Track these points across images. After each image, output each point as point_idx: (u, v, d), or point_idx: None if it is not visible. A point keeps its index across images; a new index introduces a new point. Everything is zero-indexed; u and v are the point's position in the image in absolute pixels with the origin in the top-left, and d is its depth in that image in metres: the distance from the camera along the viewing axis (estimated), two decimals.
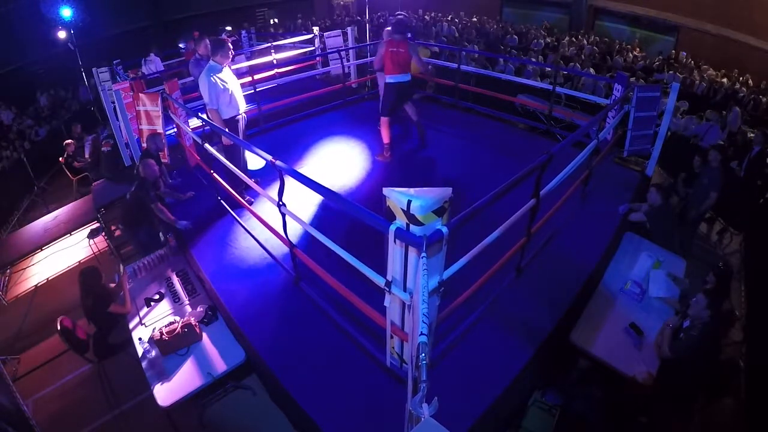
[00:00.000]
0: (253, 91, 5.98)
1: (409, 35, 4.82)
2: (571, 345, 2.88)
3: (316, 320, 2.99)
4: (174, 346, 2.95)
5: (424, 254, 1.71)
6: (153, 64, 8.23)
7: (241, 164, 4.05)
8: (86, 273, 3.43)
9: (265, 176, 4.48)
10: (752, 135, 7.05)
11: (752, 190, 5.55)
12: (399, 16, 4.82)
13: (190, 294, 3.50)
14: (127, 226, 4.28)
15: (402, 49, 4.66)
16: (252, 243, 3.77)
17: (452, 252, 2.00)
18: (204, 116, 4.03)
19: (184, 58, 8.25)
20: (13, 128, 9.75)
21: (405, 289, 2.02)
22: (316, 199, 4.16)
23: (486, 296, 2.97)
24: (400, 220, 1.88)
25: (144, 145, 4.87)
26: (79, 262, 5.82)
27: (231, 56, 4.03)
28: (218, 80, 3.89)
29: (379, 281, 2.10)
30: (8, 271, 5.78)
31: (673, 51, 12.12)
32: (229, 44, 3.99)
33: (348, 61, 7.56)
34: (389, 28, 4.84)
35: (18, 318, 5.04)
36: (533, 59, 10.47)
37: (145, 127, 4.97)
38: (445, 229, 1.83)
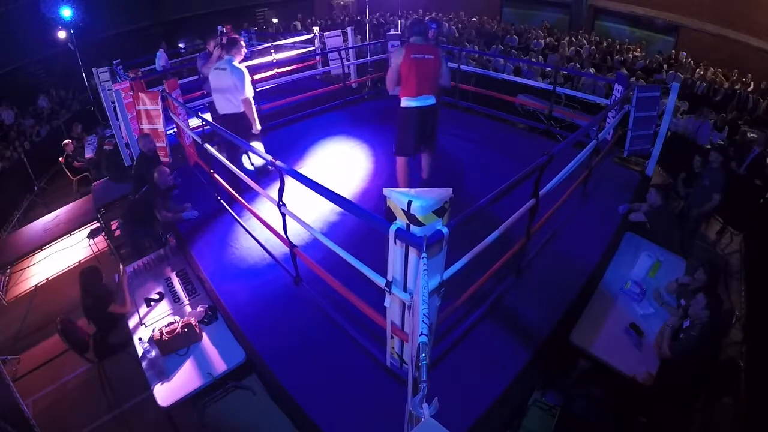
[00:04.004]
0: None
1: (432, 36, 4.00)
2: (571, 345, 2.88)
3: (316, 320, 2.99)
4: (174, 346, 2.95)
5: (424, 255, 1.71)
6: (161, 60, 8.25)
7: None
8: (86, 273, 3.44)
9: (265, 176, 4.48)
10: (752, 135, 7.05)
11: (752, 190, 5.55)
12: (416, 17, 4.36)
13: (190, 294, 3.50)
14: (127, 224, 4.31)
15: (430, 56, 3.42)
16: (252, 243, 3.77)
17: (452, 252, 2.00)
18: (205, 116, 4.05)
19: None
20: (15, 128, 9.74)
21: (405, 290, 2.02)
22: (317, 199, 4.13)
23: (486, 296, 2.97)
24: (401, 221, 1.88)
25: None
26: (79, 262, 5.82)
27: (243, 53, 4.23)
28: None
29: (380, 281, 2.10)
30: (8, 271, 5.78)
31: (673, 51, 12.11)
32: (242, 42, 4.24)
33: (348, 60, 7.56)
34: (406, 32, 4.02)
35: (18, 318, 5.04)
36: (533, 59, 10.46)
37: (146, 126, 4.97)
38: (445, 230, 1.83)
